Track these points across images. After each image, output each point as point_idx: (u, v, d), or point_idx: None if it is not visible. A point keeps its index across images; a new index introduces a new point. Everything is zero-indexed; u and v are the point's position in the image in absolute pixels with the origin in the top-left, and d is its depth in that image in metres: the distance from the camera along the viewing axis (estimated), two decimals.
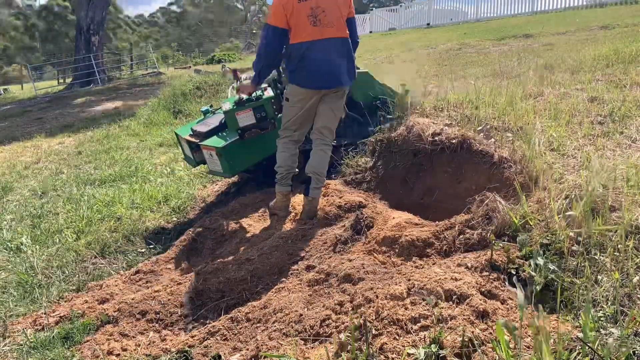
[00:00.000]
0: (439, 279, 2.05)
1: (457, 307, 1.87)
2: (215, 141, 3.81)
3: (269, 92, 3.90)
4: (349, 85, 3.32)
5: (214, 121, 4.07)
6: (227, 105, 3.88)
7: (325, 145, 3.37)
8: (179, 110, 9.87)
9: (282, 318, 2.16)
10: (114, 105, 12.77)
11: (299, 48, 3.11)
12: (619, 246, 1.98)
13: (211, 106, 4.58)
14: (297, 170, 3.50)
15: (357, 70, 3.97)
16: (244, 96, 3.72)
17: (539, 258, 2.02)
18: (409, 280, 2.13)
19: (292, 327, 2.05)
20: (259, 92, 3.79)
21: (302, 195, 3.40)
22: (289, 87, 3.31)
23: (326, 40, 3.11)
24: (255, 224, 3.56)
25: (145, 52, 24.94)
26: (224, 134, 3.89)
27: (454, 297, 1.92)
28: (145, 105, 10.98)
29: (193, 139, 4.06)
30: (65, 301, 2.91)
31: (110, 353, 2.26)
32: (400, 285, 2.09)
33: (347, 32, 3.22)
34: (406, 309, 1.91)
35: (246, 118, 3.69)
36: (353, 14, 3.29)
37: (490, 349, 1.65)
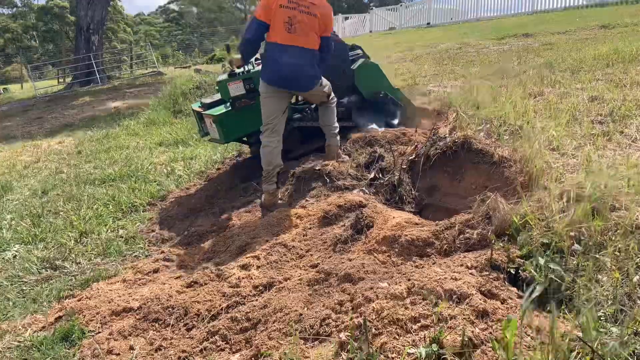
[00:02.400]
0: (439, 278, 2.04)
1: (457, 306, 1.87)
2: (214, 110, 4.24)
3: (259, 68, 4.28)
4: (306, 91, 3.74)
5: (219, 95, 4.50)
6: (221, 77, 4.32)
7: (326, 105, 3.93)
8: (179, 110, 9.87)
9: (282, 318, 2.15)
10: (114, 105, 12.76)
11: (272, 48, 3.53)
12: (620, 246, 1.98)
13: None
14: (282, 165, 3.79)
15: (365, 60, 4.72)
16: (237, 70, 4.09)
17: (539, 257, 2.01)
18: (409, 279, 2.13)
19: (292, 327, 2.04)
20: (249, 67, 4.16)
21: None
22: (260, 82, 3.66)
23: (295, 47, 3.50)
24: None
25: (145, 52, 24.94)
26: (225, 105, 4.30)
27: (454, 296, 1.92)
28: (145, 105, 10.97)
29: (199, 110, 4.49)
30: (66, 301, 2.91)
31: (110, 352, 2.26)
32: (400, 285, 2.09)
33: (316, 45, 3.61)
34: (406, 308, 1.91)
35: (237, 88, 4.07)
36: (328, 34, 3.67)
37: (490, 349, 1.65)
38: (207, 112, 4.26)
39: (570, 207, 2.20)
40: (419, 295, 1.97)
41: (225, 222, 3.75)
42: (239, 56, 3.86)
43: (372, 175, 3.74)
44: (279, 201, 3.77)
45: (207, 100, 4.48)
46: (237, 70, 4.09)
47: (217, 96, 4.52)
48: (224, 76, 4.31)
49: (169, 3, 51.71)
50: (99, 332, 2.46)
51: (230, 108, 4.16)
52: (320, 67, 3.74)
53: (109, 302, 2.72)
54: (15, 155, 7.77)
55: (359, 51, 5.15)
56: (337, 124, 4.11)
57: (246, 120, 4.18)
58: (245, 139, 4.76)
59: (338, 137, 4.14)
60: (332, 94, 4.00)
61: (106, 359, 2.22)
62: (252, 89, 4.08)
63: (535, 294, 1.47)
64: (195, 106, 4.71)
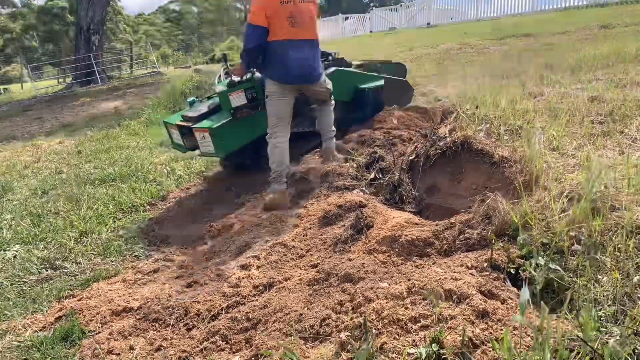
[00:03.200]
0: (439, 278, 2.05)
1: (457, 306, 1.87)
2: (207, 123, 4.13)
3: (259, 75, 4.22)
4: (315, 82, 3.76)
5: (203, 107, 4.40)
6: (220, 88, 4.21)
7: (327, 105, 4.00)
8: (179, 110, 9.86)
9: (282, 318, 2.15)
10: (114, 105, 12.76)
11: (278, 46, 3.49)
12: (620, 246, 1.98)
13: (197, 97, 4.94)
14: (290, 166, 3.78)
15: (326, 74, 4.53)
16: (236, 78, 4.04)
17: (539, 257, 2.01)
18: (409, 279, 2.13)
19: (292, 327, 2.05)
20: (249, 75, 4.10)
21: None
22: (268, 83, 3.64)
23: (302, 40, 3.52)
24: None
25: (145, 52, 24.94)
26: (214, 117, 4.21)
27: (454, 296, 1.92)
28: (146, 105, 10.97)
29: (185, 124, 4.34)
30: (66, 300, 2.91)
31: (110, 352, 2.26)
32: (400, 285, 2.09)
33: (317, 34, 3.64)
34: (406, 308, 1.91)
35: (238, 98, 4.01)
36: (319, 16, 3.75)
37: (491, 349, 1.65)
38: (198, 125, 4.16)
39: (570, 207, 2.21)
40: (419, 295, 1.98)
41: (226, 222, 3.75)
42: (236, 65, 3.87)
43: (372, 176, 3.74)
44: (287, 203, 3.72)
45: (193, 114, 4.34)
46: (236, 80, 4.04)
47: (201, 108, 4.40)
48: (220, 87, 4.23)
49: (169, 3, 51.68)
50: (99, 332, 2.46)
51: (227, 119, 4.06)
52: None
53: (109, 302, 2.72)
54: (16, 155, 7.77)
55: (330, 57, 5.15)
56: (334, 127, 4.11)
57: (244, 131, 4.13)
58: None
59: (334, 140, 4.14)
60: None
61: (106, 359, 2.22)
62: (255, 98, 4.03)
63: (527, 296, 1.47)
64: (174, 121, 4.53)
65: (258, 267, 2.80)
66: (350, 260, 2.52)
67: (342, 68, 5.04)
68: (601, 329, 1.64)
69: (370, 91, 5.07)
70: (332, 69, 4.84)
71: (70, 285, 3.12)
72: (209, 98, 4.69)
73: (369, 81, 5.14)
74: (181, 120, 4.44)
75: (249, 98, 4.02)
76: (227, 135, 4.07)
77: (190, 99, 4.77)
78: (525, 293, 1.47)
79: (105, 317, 2.58)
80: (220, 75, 4.45)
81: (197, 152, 4.45)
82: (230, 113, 4.03)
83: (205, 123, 4.14)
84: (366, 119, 4.98)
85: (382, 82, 5.22)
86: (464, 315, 1.80)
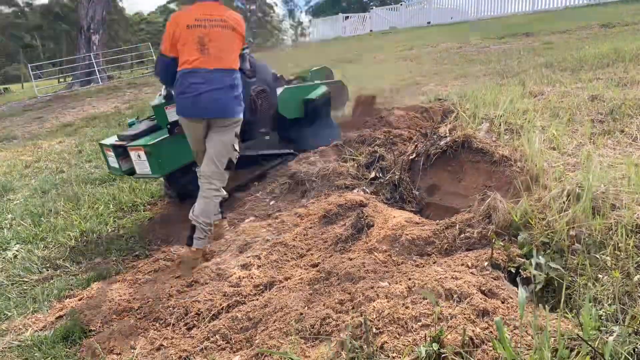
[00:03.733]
0: (440, 277, 2.05)
1: (457, 305, 1.87)
2: (142, 141, 3.72)
3: None
4: (234, 117, 3.14)
5: (142, 126, 4.01)
6: (157, 101, 3.85)
7: (210, 190, 3.16)
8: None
9: (283, 317, 2.16)
10: (114, 104, 12.76)
11: (183, 75, 3.02)
12: (620, 245, 1.98)
13: (137, 118, 4.57)
14: (226, 195, 3.35)
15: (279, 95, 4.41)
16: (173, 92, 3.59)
17: (539, 257, 2.02)
18: (410, 279, 2.13)
19: (293, 326, 2.05)
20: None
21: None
22: (179, 117, 3.22)
23: (211, 70, 3.01)
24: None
25: (145, 51, 24.94)
26: (151, 135, 3.80)
27: (455, 296, 1.92)
28: (146, 105, 10.97)
29: (120, 143, 3.86)
30: (66, 300, 2.91)
31: (110, 352, 2.26)
32: (400, 284, 2.09)
33: (237, 65, 3.15)
34: (407, 307, 1.91)
35: (175, 113, 3.43)
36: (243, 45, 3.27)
37: (491, 348, 1.65)
38: (133, 144, 3.72)
39: (570, 206, 2.21)
40: (419, 294, 1.98)
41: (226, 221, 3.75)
42: None
43: (372, 175, 3.74)
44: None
45: (129, 133, 3.89)
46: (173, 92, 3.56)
47: (139, 126, 4.00)
48: (157, 100, 3.84)
49: (168, 3, 51.65)
50: (100, 332, 2.46)
51: (164, 136, 3.67)
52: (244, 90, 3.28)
53: (110, 302, 2.72)
54: (16, 155, 7.77)
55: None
56: (212, 220, 3.21)
57: (183, 149, 3.56)
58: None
59: (207, 240, 3.24)
60: (234, 164, 3.27)
61: (107, 359, 2.22)
62: None
63: (527, 294, 1.47)
64: (111, 140, 4.02)
65: (258, 266, 2.80)
66: (350, 259, 2.52)
67: (290, 86, 4.90)
68: (601, 328, 1.64)
69: (319, 99, 4.90)
70: (281, 88, 4.66)
71: (71, 284, 3.13)
72: (149, 118, 4.23)
73: (312, 91, 4.97)
74: (117, 140, 3.95)
75: None
76: (164, 153, 3.63)
77: (130, 121, 4.34)
78: (524, 292, 1.47)
79: (105, 316, 2.58)
80: (163, 88, 3.91)
81: (135, 175, 3.92)
82: (167, 129, 3.66)
83: (140, 141, 3.72)
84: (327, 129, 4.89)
85: (325, 88, 5.05)
86: (464, 314, 1.80)
